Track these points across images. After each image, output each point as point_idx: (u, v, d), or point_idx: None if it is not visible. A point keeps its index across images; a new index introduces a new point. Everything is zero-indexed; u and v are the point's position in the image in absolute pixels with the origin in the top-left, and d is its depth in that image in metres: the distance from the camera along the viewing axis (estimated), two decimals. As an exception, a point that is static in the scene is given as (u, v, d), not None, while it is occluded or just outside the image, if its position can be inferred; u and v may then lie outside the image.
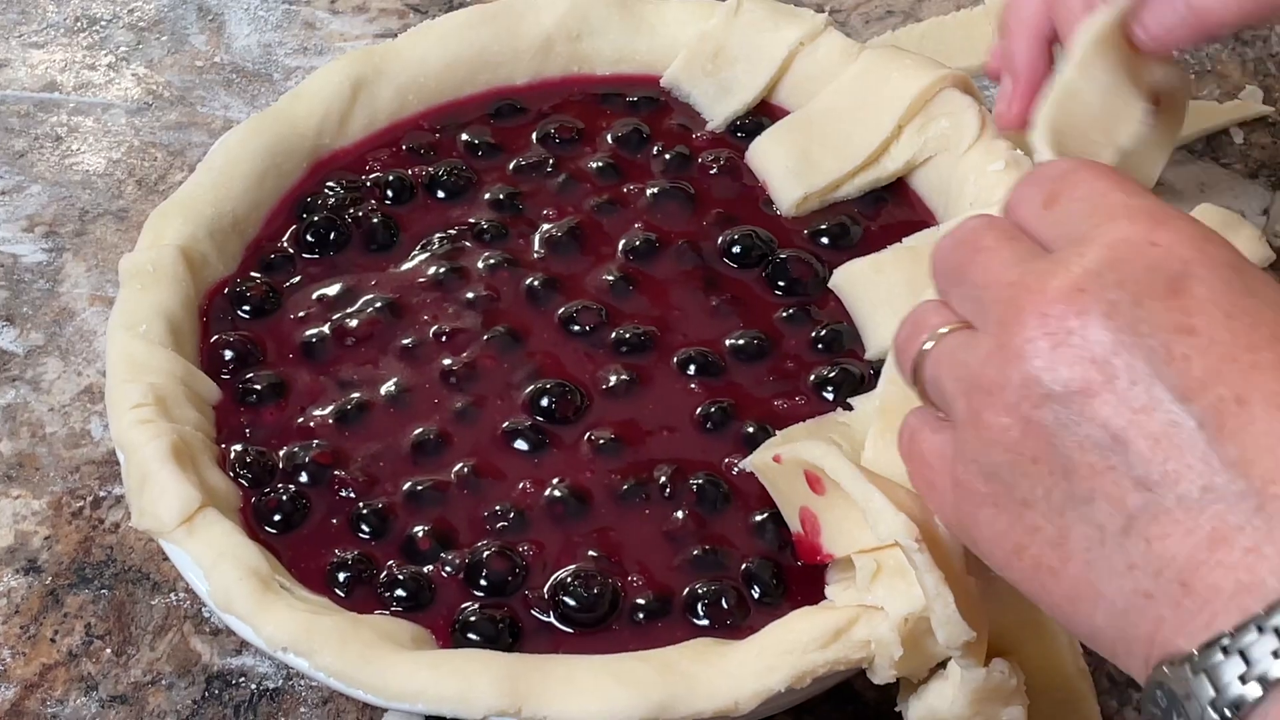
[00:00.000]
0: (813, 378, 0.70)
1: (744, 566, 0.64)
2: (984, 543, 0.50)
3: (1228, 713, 0.41)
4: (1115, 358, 0.45)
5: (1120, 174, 0.51)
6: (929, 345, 0.52)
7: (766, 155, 0.80)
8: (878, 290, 0.73)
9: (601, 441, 0.68)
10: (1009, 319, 0.48)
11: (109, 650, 0.69)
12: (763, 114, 0.82)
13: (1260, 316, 0.45)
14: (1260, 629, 0.41)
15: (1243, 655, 0.41)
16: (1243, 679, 0.41)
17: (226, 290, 0.74)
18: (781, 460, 0.63)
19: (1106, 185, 0.50)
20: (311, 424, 0.69)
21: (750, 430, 0.68)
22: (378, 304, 0.73)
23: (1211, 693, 0.42)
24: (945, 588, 0.56)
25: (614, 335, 0.72)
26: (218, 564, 0.61)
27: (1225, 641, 0.42)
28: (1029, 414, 0.47)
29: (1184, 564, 0.43)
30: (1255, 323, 0.45)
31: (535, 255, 0.76)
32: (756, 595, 0.63)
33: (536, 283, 0.74)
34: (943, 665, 0.58)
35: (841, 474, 0.59)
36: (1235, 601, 0.42)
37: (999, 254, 0.50)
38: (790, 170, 0.78)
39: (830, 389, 0.70)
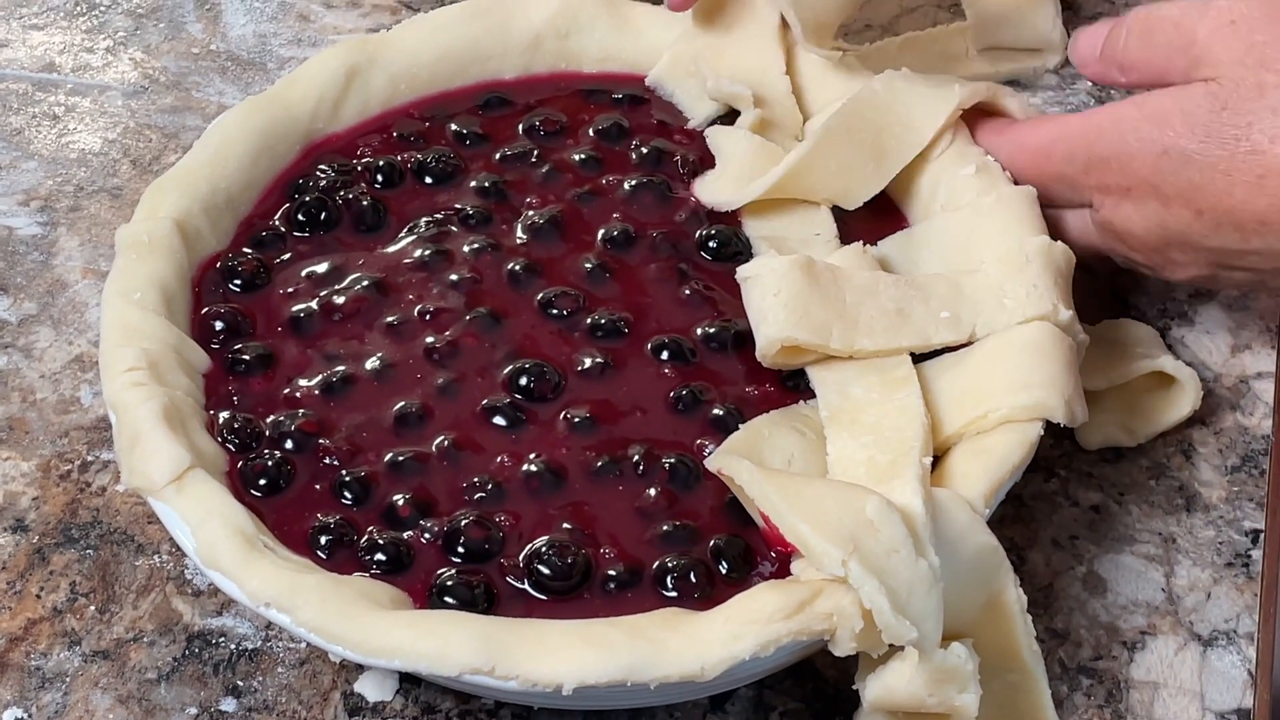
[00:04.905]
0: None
1: (712, 542, 0.64)
2: None
3: None
4: None
5: None
6: None
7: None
8: None
9: (577, 420, 0.69)
10: None
11: (93, 607, 0.70)
12: (740, 113, 0.84)
13: None
14: None
15: None
16: None
17: (219, 264, 0.75)
18: (723, 474, 0.65)
19: None
20: (298, 394, 0.70)
21: (719, 413, 0.69)
22: (365, 282, 0.75)
23: None
24: (881, 596, 0.58)
25: (590, 320, 0.73)
26: (205, 522, 0.62)
27: None
28: None
29: None
30: None
31: (518, 241, 0.77)
32: (724, 570, 0.64)
33: (518, 267, 0.76)
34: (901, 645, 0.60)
35: (767, 504, 0.61)
36: None
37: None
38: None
39: (795, 379, 0.71)
